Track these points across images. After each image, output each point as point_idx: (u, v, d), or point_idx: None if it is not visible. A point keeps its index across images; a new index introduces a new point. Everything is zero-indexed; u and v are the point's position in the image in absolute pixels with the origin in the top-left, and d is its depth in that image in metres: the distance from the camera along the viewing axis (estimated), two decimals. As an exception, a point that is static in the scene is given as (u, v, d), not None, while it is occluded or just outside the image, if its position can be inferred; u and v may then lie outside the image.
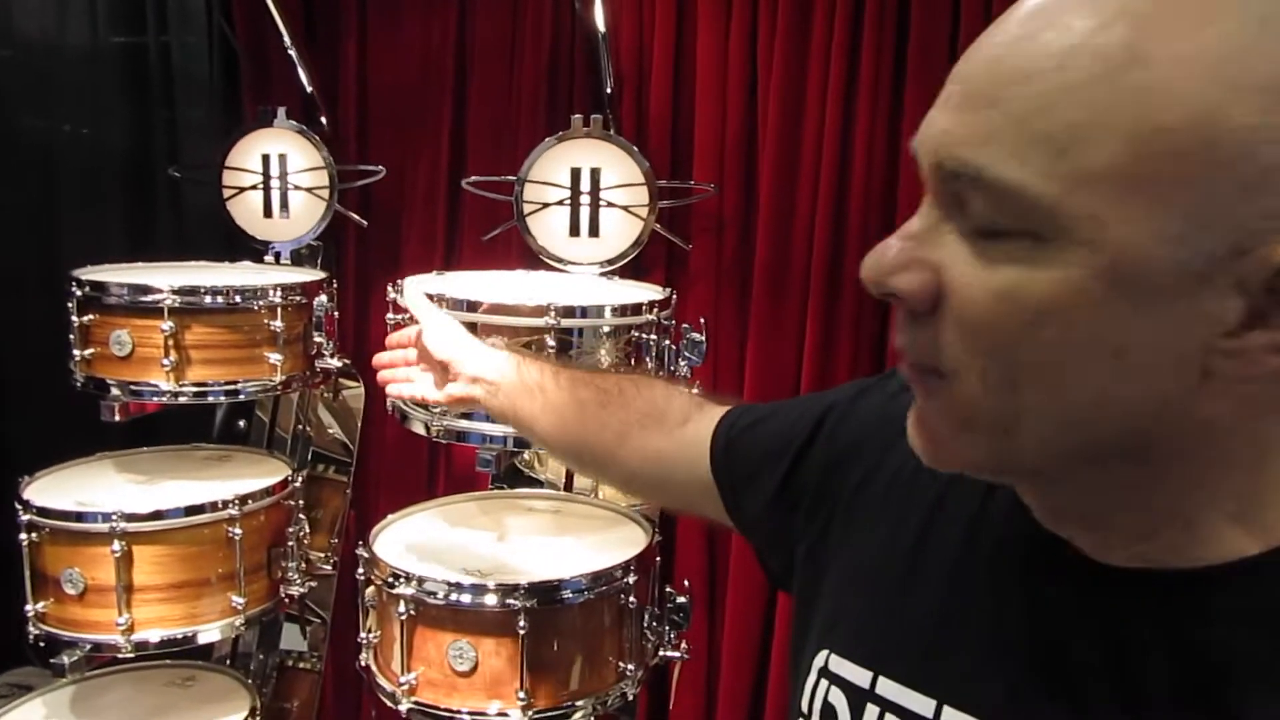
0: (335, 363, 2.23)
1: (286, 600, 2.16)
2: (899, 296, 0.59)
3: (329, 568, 2.52)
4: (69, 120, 3.09)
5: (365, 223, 2.57)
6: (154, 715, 2.13)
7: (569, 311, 1.76)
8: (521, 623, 1.68)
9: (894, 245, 0.60)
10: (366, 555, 1.84)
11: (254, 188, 2.53)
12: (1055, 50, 0.52)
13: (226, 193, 2.55)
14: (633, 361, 1.85)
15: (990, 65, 0.55)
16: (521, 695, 1.70)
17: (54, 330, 2.75)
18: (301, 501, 2.20)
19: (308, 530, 2.20)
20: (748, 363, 2.38)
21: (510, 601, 1.69)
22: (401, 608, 1.73)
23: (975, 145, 0.54)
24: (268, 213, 2.53)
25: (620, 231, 2.29)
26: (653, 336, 1.87)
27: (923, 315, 0.59)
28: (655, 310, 1.87)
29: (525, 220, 2.33)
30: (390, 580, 1.76)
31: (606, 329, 1.81)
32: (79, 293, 2.04)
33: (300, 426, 2.65)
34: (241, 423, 2.67)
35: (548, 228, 2.32)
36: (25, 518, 1.96)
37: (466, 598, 1.71)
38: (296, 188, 2.51)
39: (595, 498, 2.35)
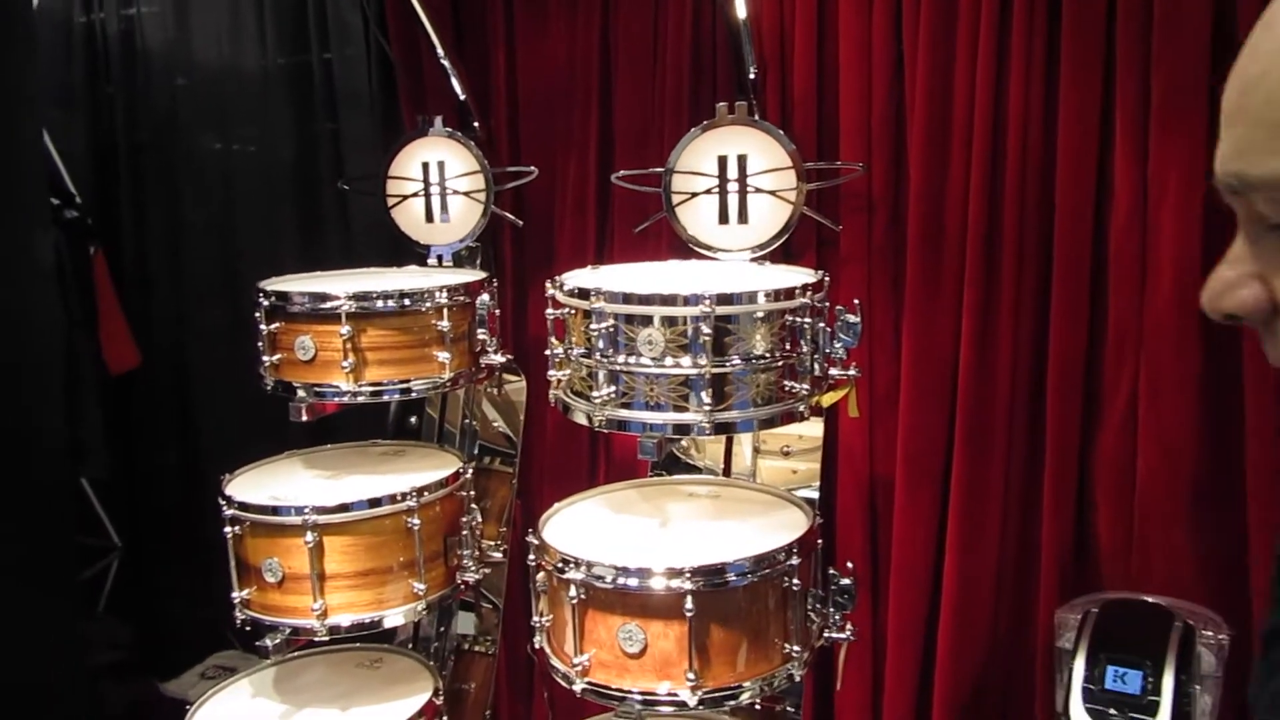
0: (499, 358, 2.32)
1: (463, 586, 2.27)
2: (1238, 315, 0.64)
3: (499, 555, 2.63)
4: (243, 140, 3.31)
5: (520, 222, 2.66)
6: (348, 694, 2.28)
7: (724, 299, 1.79)
8: (688, 605, 1.72)
9: (1219, 271, 0.65)
10: (536, 542, 1.92)
11: (415, 195, 2.65)
12: (1269, 50, 0.59)
13: (390, 201, 2.68)
14: (788, 345, 1.86)
15: (1233, 84, 0.62)
16: (690, 676, 1.75)
17: (237, 337, 2.98)
18: (473, 492, 2.31)
19: (480, 519, 2.30)
20: (904, 343, 2.35)
21: (676, 584, 1.73)
22: (572, 592, 1.80)
23: (1236, 157, 0.61)
24: (429, 218, 2.65)
25: (769, 216, 2.30)
26: (807, 320, 1.87)
27: (1271, 323, 0.63)
28: (809, 293, 1.87)
29: (675, 210, 2.36)
30: (560, 565, 1.83)
31: (761, 314, 1.82)
32: (265, 303, 2.20)
33: (467, 421, 2.77)
34: (413, 419, 2.81)
35: (697, 216, 2.35)
36: (229, 512, 2.13)
37: (634, 581, 1.76)
38: (455, 192, 2.62)
39: (754, 481, 2.38)
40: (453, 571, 2.25)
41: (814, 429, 2.43)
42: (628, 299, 1.82)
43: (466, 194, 2.61)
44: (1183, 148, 2.04)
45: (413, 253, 2.69)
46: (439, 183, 2.63)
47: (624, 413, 1.86)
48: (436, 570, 2.20)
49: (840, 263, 2.39)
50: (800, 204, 2.27)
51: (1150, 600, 2.08)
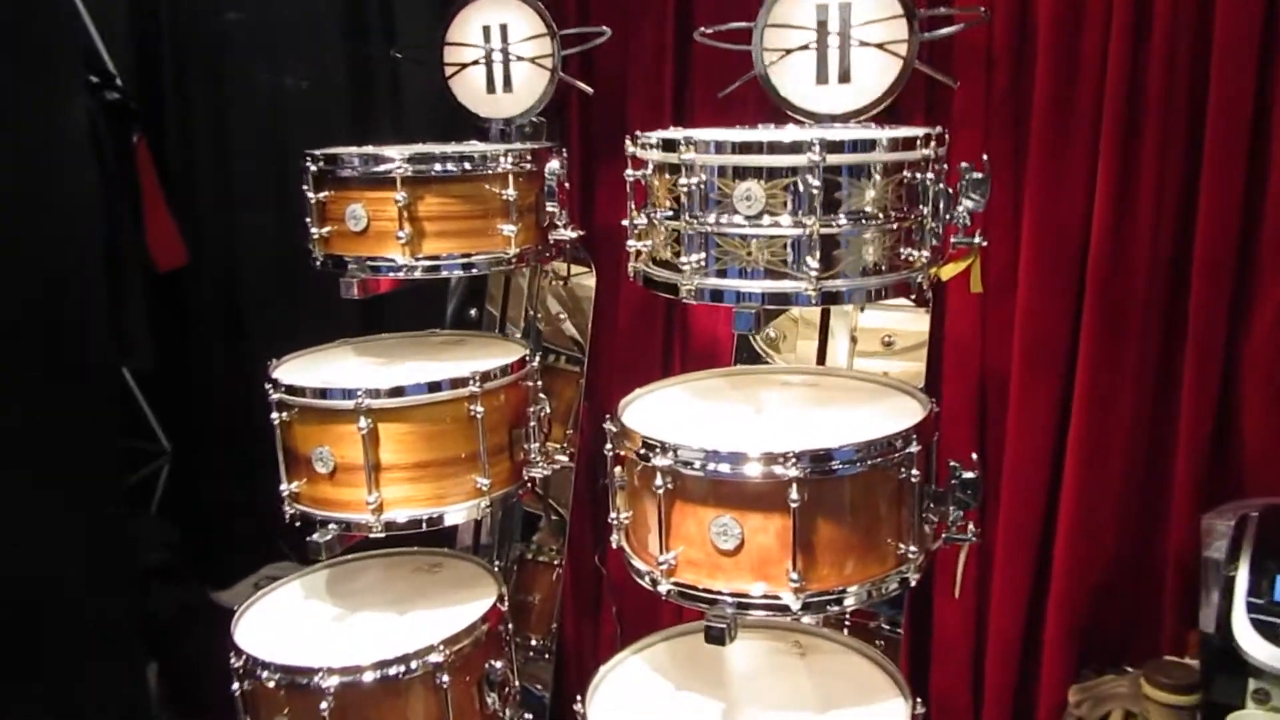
0: (570, 234, 2.10)
1: (529, 483, 2.08)
2: None
3: (566, 458, 2.42)
4: (288, 6, 3.04)
5: (590, 90, 2.40)
6: (405, 599, 2.10)
7: (835, 146, 1.54)
8: (793, 495, 1.50)
9: None
10: (615, 429, 1.71)
11: (475, 63, 2.41)
12: None
13: (448, 70, 2.44)
14: (905, 206, 1.61)
15: None
16: (793, 576, 1.53)
17: (286, 232, 2.80)
18: (540, 382, 2.10)
19: (549, 409, 2.09)
20: (1025, 219, 2.08)
21: (780, 472, 1.51)
22: (658, 481, 1.58)
23: None
24: (490, 88, 2.41)
25: (876, 73, 2.02)
26: (929, 175, 1.63)
27: None
28: (931, 145, 1.62)
29: (767, 70, 2.10)
30: (643, 452, 1.62)
31: (877, 166, 1.57)
32: (314, 168, 1.99)
33: (532, 313, 2.55)
34: (473, 311, 2.60)
35: (792, 76, 2.08)
36: (275, 396, 1.94)
37: (730, 468, 1.54)
38: (519, 58, 2.37)
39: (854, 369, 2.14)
40: (519, 467, 2.05)
41: (919, 323, 2.18)
42: (721, 148, 1.58)
43: (531, 60, 2.37)
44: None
45: (471, 127, 2.46)
46: (501, 48, 2.38)
47: (716, 281, 1.63)
48: (501, 465, 2.00)
49: (954, 128, 2.11)
50: (912, 58, 1.99)
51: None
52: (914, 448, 1.59)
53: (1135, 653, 2.16)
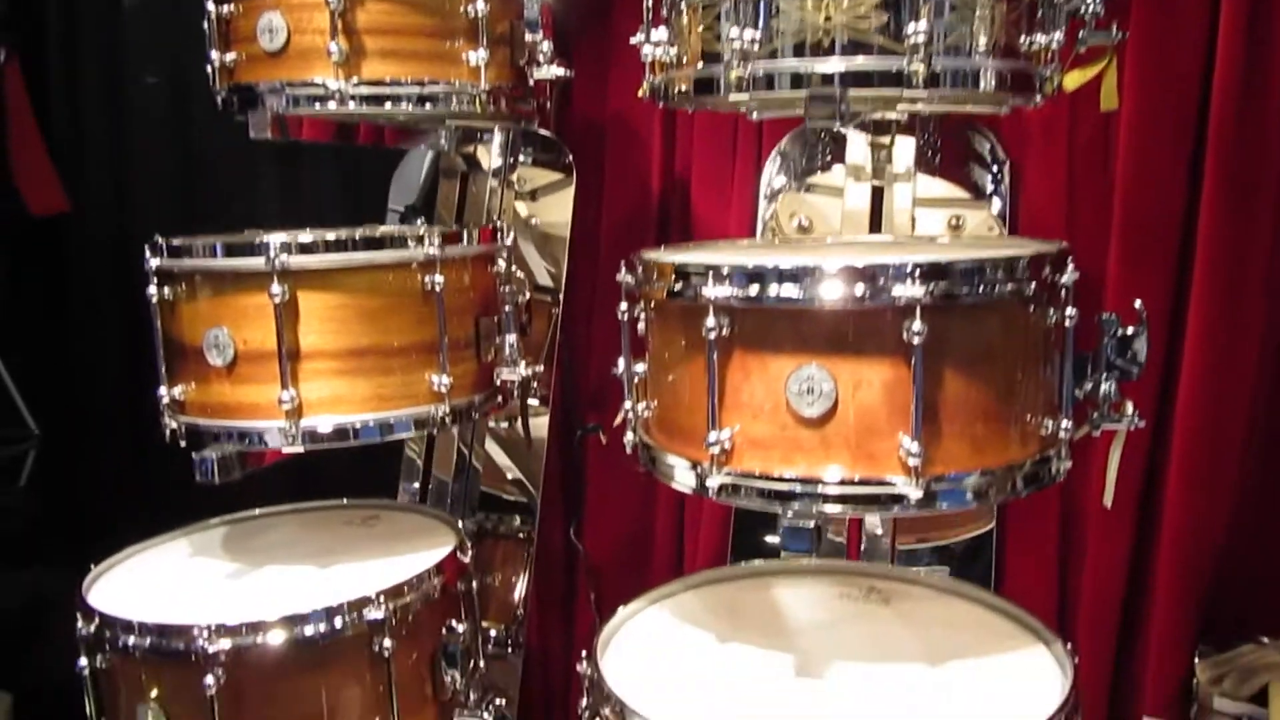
0: (557, 70, 1.61)
1: (503, 394, 1.56)
2: None
3: (535, 401, 1.91)
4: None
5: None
6: (329, 552, 1.56)
7: None
8: (914, 326, 1.02)
9: None
10: (638, 267, 1.22)
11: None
12: None
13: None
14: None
15: None
16: (913, 450, 1.04)
17: (190, 176, 2.32)
18: (515, 267, 1.60)
19: (527, 295, 1.59)
20: (1128, 53, 1.66)
21: (897, 291, 1.03)
22: (709, 322, 1.09)
23: None
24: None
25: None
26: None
27: None
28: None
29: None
30: (682, 287, 1.13)
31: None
32: (215, -29, 1.50)
33: (496, 220, 2.04)
34: (420, 221, 2.09)
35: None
36: (155, 263, 1.41)
37: (814, 290, 1.06)
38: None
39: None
40: (488, 370, 1.54)
41: (981, 218, 1.74)
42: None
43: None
44: None
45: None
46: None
47: (774, 63, 1.17)
48: (465, 363, 1.49)
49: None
50: None
51: None
52: (1068, 276, 1.13)
53: (1264, 619, 1.71)
